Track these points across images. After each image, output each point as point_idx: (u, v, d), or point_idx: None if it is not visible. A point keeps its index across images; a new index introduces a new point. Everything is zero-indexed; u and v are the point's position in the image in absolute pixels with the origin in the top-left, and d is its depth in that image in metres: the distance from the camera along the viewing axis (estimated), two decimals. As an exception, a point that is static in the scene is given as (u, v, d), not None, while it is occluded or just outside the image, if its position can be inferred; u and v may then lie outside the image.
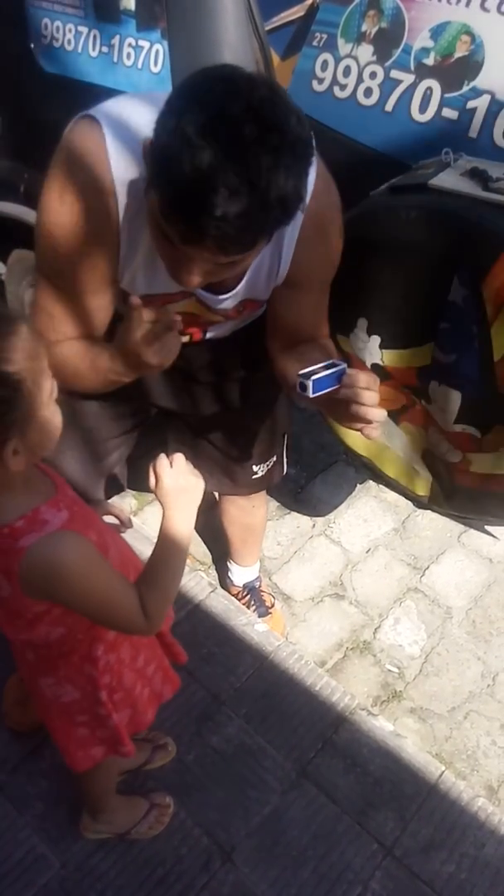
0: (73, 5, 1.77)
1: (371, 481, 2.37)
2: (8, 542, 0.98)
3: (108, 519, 1.30)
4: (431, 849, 1.60)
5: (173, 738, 1.70)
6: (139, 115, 1.06)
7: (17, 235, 2.11)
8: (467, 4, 1.43)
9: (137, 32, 1.68)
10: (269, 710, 1.80)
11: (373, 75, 1.56)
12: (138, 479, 1.44)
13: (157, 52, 1.66)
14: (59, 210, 1.11)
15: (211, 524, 2.12)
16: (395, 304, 1.45)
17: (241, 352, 1.51)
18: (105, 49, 1.75)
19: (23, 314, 1.92)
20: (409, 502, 1.81)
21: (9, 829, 1.57)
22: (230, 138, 0.87)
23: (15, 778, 1.65)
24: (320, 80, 1.63)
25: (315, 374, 1.08)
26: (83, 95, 1.46)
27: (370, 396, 1.09)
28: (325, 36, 1.61)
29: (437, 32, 1.47)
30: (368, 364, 1.55)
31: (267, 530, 2.22)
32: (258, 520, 2.07)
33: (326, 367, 1.09)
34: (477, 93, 1.44)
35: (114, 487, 1.81)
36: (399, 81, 1.53)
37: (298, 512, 2.49)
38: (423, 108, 1.51)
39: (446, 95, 1.48)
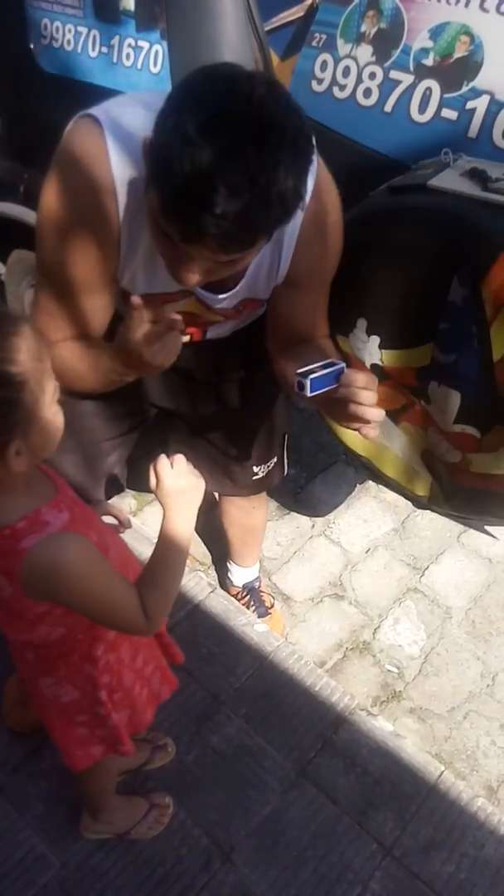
0: (72, 6, 1.77)
1: (371, 481, 2.37)
2: (9, 543, 0.98)
3: (107, 519, 1.30)
4: (431, 849, 1.60)
5: (173, 739, 1.70)
6: (139, 114, 1.05)
7: (17, 235, 2.11)
8: (466, 5, 1.43)
9: (137, 33, 1.68)
10: (269, 710, 1.80)
11: (372, 76, 1.56)
12: (138, 480, 1.43)
13: (156, 52, 1.66)
14: (60, 210, 1.11)
15: (211, 524, 2.13)
16: (394, 304, 1.45)
17: (240, 352, 1.51)
18: (105, 49, 1.75)
19: (25, 315, 1.92)
20: (409, 502, 1.81)
21: (9, 829, 1.57)
22: (230, 137, 0.87)
23: (15, 778, 1.65)
24: (319, 81, 1.63)
25: (313, 373, 1.08)
26: (83, 95, 1.45)
27: (368, 396, 1.09)
28: (324, 36, 1.61)
29: (436, 33, 1.47)
30: (368, 364, 1.55)
31: (267, 530, 2.22)
32: (258, 520, 2.07)
33: (324, 367, 1.09)
34: (476, 93, 1.44)
35: (113, 488, 1.81)
36: (398, 82, 1.53)
37: (298, 512, 2.49)
38: (422, 108, 1.51)
39: (445, 96, 1.48)
